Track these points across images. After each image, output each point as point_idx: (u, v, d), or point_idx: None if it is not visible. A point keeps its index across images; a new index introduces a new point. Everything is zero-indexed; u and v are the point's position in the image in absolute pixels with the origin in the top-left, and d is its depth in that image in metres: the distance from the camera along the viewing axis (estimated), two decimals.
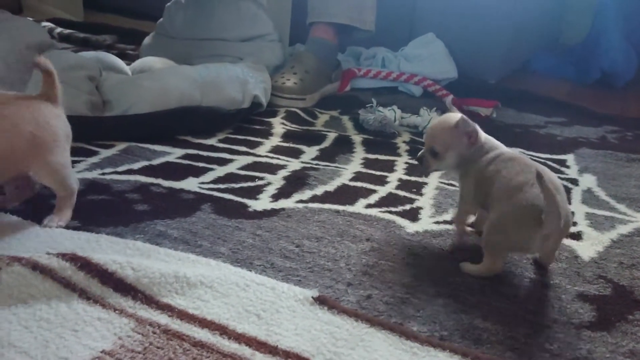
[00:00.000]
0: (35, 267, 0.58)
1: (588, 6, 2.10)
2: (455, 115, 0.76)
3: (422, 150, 0.78)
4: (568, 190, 1.01)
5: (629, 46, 1.92)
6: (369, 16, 1.45)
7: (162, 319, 0.56)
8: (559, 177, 1.05)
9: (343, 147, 1.12)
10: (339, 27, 1.47)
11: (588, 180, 1.07)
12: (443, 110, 1.35)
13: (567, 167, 1.13)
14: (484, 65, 1.71)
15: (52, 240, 0.67)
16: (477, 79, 1.68)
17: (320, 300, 0.61)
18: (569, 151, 1.23)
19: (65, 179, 0.72)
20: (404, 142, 1.19)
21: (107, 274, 0.59)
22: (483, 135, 0.77)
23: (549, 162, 1.14)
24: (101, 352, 0.51)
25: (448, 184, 0.99)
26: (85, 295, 0.58)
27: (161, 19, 1.57)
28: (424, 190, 0.95)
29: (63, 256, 0.59)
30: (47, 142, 0.69)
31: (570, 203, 0.96)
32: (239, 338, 0.54)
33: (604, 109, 1.60)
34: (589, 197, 0.99)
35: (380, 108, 1.26)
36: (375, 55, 1.67)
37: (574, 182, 1.06)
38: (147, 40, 1.59)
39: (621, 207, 0.96)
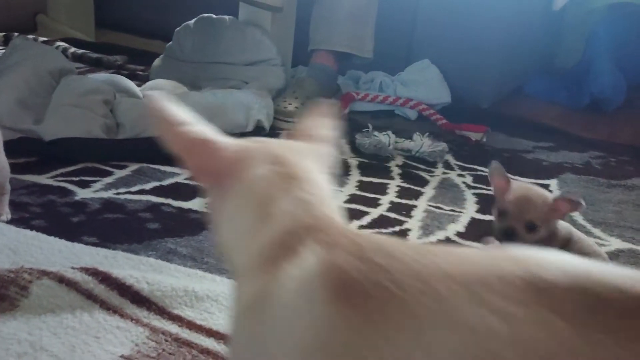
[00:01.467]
0: (61, 280, 0.65)
1: (584, 30, 2.19)
2: (536, 188, 0.77)
3: (506, 222, 0.74)
4: None
5: (619, 73, 2.00)
6: (367, 45, 1.54)
7: (173, 328, 0.63)
8: None
9: (340, 169, 1.20)
10: (339, 54, 1.55)
11: None
12: (436, 134, 1.43)
13: (550, 191, 1.21)
14: (477, 90, 1.79)
15: (74, 255, 0.75)
16: (470, 104, 1.76)
17: None
18: (553, 176, 1.30)
19: (7, 179, 0.82)
20: (397, 165, 1.26)
21: (125, 287, 0.67)
22: None
23: None
24: (120, 356, 0.58)
25: (436, 207, 1.06)
26: (105, 305, 0.65)
27: (170, 43, 1.66)
28: (413, 213, 1.03)
29: (86, 270, 0.67)
30: None
31: None
32: None
33: (592, 134, 1.68)
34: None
35: (376, 133, 1.34)
36: (373, 79, 1.76)
37: None
38: (157, 62, 1.67)
39: (596, 231, 1.04)
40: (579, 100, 1.97)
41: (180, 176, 1.07)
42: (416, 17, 1.85)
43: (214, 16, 1.62)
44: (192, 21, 1.64)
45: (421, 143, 1.32)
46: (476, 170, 1.29)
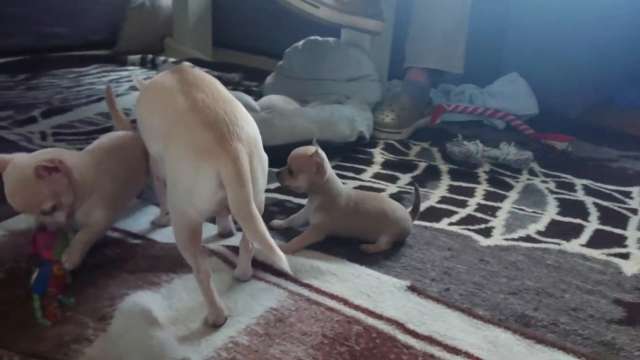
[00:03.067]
0: (225, 260, 0.88)
1: None
2: (313, 148, 0.96)
3: (283, 168, 0.99)
4: (626, 219, 1.18)
5: None
6: (458, 62, 1.69)
7: (305, 292, 0.84)
8: (621, 207, 1.23)
9: (432, 175, 1.36)
10: (432, 71, 1.71)
11: None
12: (522, 143, 1.55)
13: (631, 198, 1.30)
14: (566, 101, 1.87)
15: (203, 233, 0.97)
16: (558, 114, 1.85)
17: (412, 288, 0.86)
18: (635, 184, 1.38)
19: None
20: (485, 172, 1.41)
21: (266, 264, 0.88)
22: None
23: (614, 194, 1.31)
24: (270, 308, 0.79)
25: (519, 209, 1.20)
26: (253, 276, 0.87)
27: (281, 62, 1.90)
28: (497, 214, 1.17)
29: (236, 251, 0.89)
30: None
31: (626, 229, 1.13)
32: (356, 307, 0.81)
33: None
34: None
35: (465, 142, 1.48)
36: (463, 91, 1.90)
37: (634, 211, 1.22)
38: (269, 79, 1.92)
39: None
40: None
41: None
42: (505, 32, 1.96)
43: (319, 38, 1.83)
44: (301, 42, 1.86)
45: (507, 151, 1.45)
46: (559, 177, 1.40)
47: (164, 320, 0.74)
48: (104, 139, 0.96)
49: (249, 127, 0.74)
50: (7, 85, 1.89)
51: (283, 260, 0.64)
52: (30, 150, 0.82)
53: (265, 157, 0.78)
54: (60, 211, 0.78)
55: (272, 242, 0.64)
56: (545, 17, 1.88)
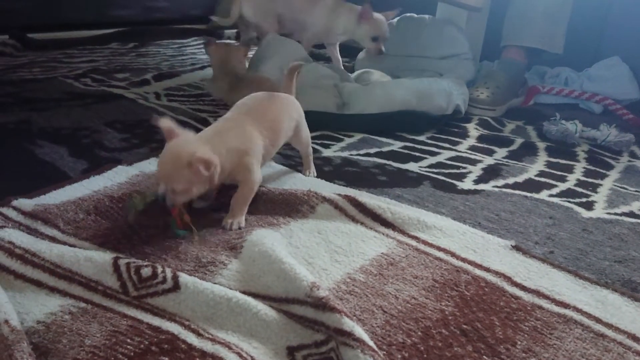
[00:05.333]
0: (336, 206, 0.93)
1: None
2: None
3: None
4: None
5: None
6: (558, 41, 1.66)
7: (413, 242, 0.88)
8: None
9: (528, 150, 1.37)
10: (530, 50, 1.69)
11: None
12: (622, 126, 1.51)
13: None
14: None
15: (335, 189, 1.03)
16: None
17: (517, 248, 0.89)
18: None
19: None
20: (583, 151, 1.39)
21: (375, 214, 0.93)
22: None
23: None
24: (381, 253, 0.84)
25: (621, 187, 1.18)
26: (363, 225, 0.92)
27: None
28: (598, 190, 1.16)
29: (348, 199, 0.95)
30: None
31: None
32: (463, 260, 0.85)
33: None
34: None
35: (563, 121, 1.47)
36: (559, 74, 1.86)
37: None
38: (361, 54, 1.96)
39: None
40: None
41: (395, 145, 1.32)
42: (608, 14, 1.90)
43: (415, 15, 1.85)
44: (395, 19, 1.89)
45: (607, 133, 1.42)
46: None
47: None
48: (253, 100, 1.00)
49: None
50: (121, 52, 2.04)
51: None
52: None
53: None
54: (184, 196, 0.82)
55: None
56: None
